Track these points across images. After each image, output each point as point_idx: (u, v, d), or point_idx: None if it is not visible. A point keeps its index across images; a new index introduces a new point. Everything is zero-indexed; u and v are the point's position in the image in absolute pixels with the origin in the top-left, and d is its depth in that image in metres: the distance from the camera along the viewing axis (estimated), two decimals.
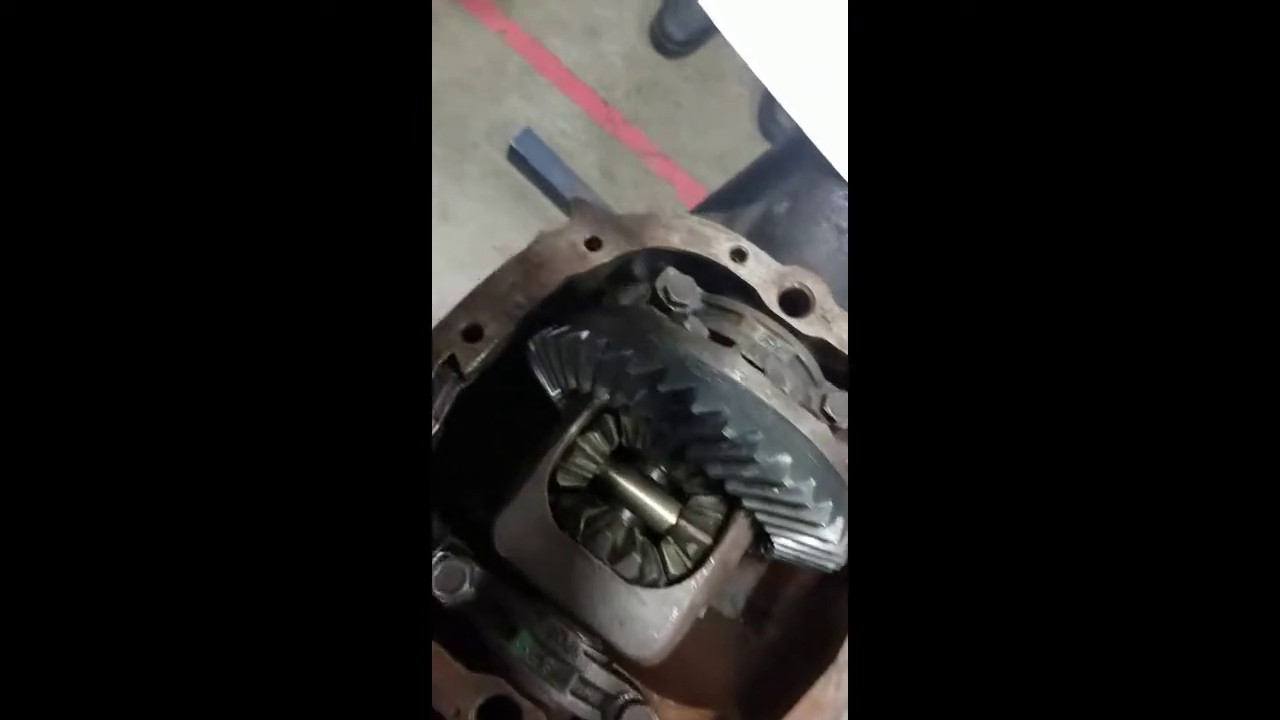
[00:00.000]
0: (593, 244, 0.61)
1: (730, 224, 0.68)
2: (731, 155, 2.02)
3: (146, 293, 0.34)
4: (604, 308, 0.61)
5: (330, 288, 0.36)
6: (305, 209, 0.36)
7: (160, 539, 0.33)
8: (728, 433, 0.50)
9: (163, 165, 0.35)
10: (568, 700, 0.53)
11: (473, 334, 0.58)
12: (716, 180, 1.18)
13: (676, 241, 0.64)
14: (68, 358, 0.33)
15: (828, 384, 0.65)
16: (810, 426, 0.55)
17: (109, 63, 0.34)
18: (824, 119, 0.82)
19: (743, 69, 0.85)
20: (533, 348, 0.59)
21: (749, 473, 0.51)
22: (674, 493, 0.60)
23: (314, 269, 0.35)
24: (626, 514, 0.59)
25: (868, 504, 0.37)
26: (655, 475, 0.61)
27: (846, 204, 0.80)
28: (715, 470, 0.54)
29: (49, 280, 0.33)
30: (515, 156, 1.71)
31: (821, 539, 0.54)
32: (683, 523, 0.58)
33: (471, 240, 1.91)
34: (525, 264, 0.60)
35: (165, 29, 0.35)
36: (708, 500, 0.58)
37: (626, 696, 0.54)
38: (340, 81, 0.36)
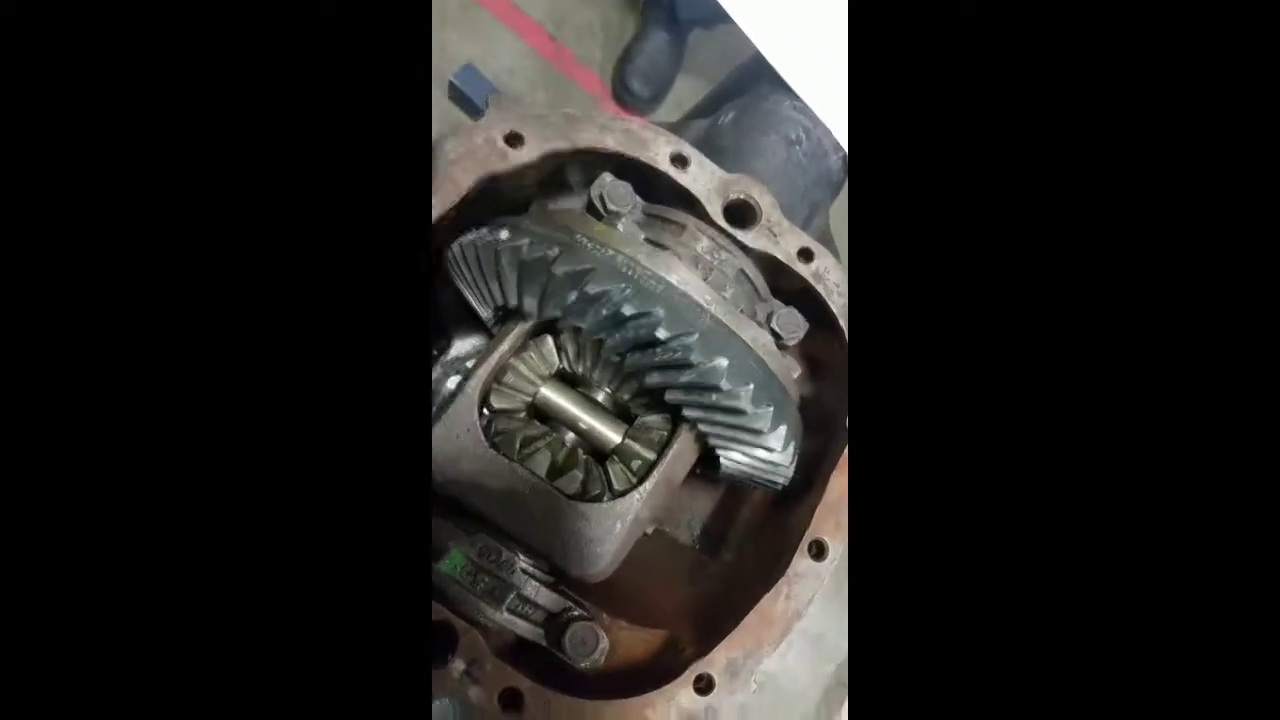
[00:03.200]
0: (513, 139, 0.55)
1: (675, 134, 0.63)
2: (690, 98, 1.95)
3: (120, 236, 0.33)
4: (529, 213, 0.55)
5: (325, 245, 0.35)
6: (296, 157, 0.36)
7: (156, 485, 0.33)
8: (660, 334, 0.46)
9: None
10: (505, 618, 0.50)
11: None
12: None
13: (611, 143, 0.59)
14: (48, 309, 0.33)
15: (775, 301, 0.61)
16: (751, 334, 0.52)
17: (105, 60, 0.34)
18: (785, 45, 0.77)
19: None
20: (450, 256, 0.53)
21: (685, 378, 0.48)
22: (620, 414, 0.57)
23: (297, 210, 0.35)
24: (570, 435, 0.55)
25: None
26: (600, 398, 0.57)
27: (796, 115, 0.75)
28: (653, 379, 0.50)
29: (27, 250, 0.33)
30: (456, 94, 1.60)
31: (766, 448, 0.51)
32: (628, 441, 0.55)
33: None
34: (432, 164, 0.54)
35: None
36: (654, 419, 0.55)
37: (572, 614, 0.50)
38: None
